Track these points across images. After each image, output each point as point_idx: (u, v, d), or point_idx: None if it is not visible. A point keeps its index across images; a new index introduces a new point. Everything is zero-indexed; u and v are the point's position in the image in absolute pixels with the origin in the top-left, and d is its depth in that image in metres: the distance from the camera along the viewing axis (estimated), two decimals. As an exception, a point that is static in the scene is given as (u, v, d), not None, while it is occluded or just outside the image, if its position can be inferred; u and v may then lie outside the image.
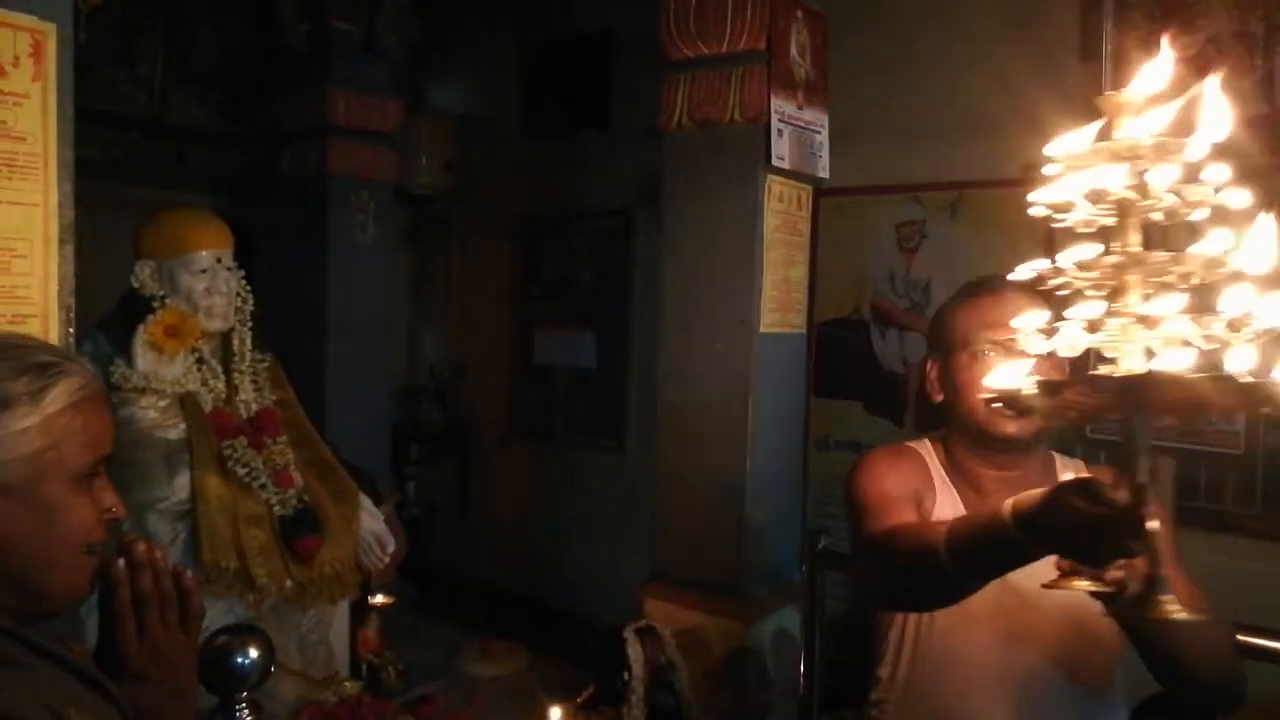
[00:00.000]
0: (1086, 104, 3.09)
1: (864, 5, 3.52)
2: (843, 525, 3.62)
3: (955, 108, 3.43)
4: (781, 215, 2.90)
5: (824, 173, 3.01)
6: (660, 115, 2.91)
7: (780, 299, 2.93)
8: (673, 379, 3.00)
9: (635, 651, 2.66)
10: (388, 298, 4.19)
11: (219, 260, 2.53)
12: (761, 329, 2.85)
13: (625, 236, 4.32)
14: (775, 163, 2.75)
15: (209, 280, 2.49)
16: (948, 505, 1.59)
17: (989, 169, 3.34)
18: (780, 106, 2.73)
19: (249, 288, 2.65)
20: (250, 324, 2.66)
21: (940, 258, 3.47)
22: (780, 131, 2.73)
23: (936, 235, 3.49)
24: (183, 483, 2.38)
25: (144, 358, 2.39)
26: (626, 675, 2.65)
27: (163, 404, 2.43)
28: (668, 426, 3.01)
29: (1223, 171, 0.97)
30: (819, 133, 2.96)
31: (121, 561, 1.04)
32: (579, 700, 2.73)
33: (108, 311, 2.48)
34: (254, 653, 1.39)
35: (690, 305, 2.95)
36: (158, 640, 1.03)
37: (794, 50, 2.79)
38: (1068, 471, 1.55)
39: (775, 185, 2.84)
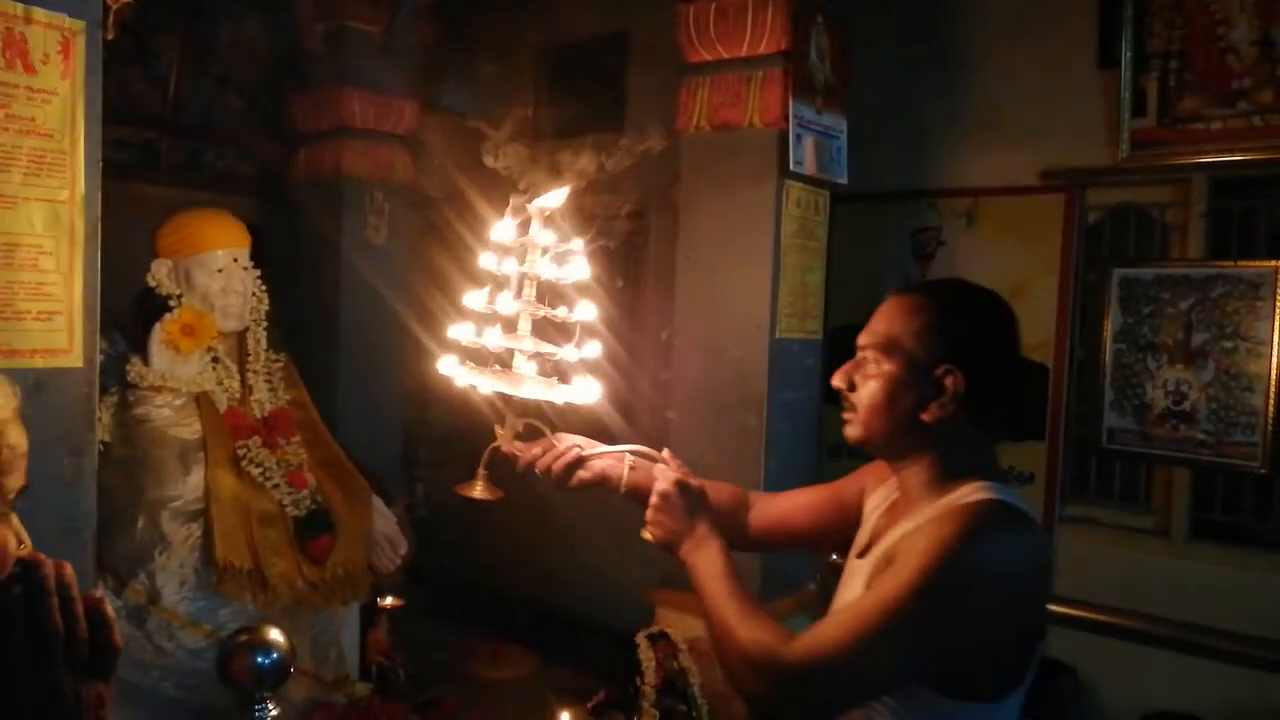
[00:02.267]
0: (1105, 112, 3.08)
1: (882, 11, 3.51)
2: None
3: (973, 115, 3.41)
4: (799, 220, 2.89)
5: (842, 178, 3.00)
6: (678, 118, 2.90)
7: (796, 304, 2.92)
8: (686, 383, 2.99)
9: (647, 658, 2.65)
10: (401, 299, 4.18)
11: (235, 260, 2.53)
12: (777, 334, 2.84)
13: (640, 240, 4.30)
14: (794, 168, 2.73)
15: (225, 280, 2.50)
16: (872, 501, 1.53)
17: (1006, 176, 3.33)
18: (800, 111, 2.72)
19: (264, 288, 2.66)
20: (265, 324, 2.67)
21: (956, 264, 3.46)
22: (799, 136, 2.72)
23: (953, 242, 3.47)
24: (196, 481, 2.38)
25: (160, 356, 2.40)
26: (638, 681, 2.64)
27: (178, 403, 2.43)
28: (680, 431, 3.00)
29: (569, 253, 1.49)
30: (838, 137, 2.95)
31: (18, 588, 0.84)
32: (589, 705, 2.72)
33: (123, 309, 2.48)
34: (275, 652, 1.38)
35: (706, 310, 2.94)
36: (60, 687, 0.83)
37: (814, 54, 2.78)
38: (952, 504, 1.29)
39: (793, 190, 2.83)
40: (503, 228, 1.47)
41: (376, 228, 3.95)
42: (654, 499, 1.41)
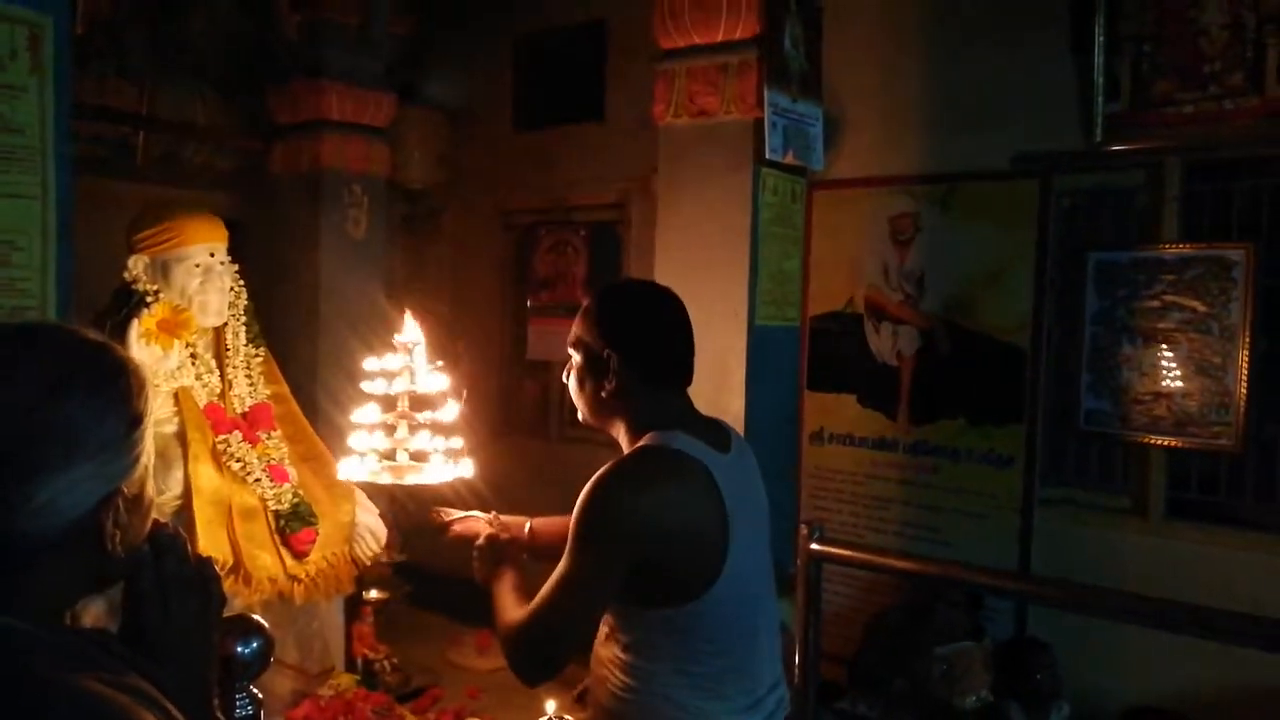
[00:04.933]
0: (1078, 96, 3.08)
1: (857, -2, 3.52)
2: (837, 517, 3.65)
3: (948, 100, 3.43)
4: (775, 208, 2.90)
5: (818, 165, 3.01)
6: (654, 107, 2.91)
7: (774, 291, 2.94)
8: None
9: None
10: (381, 292, 4.17)
11: (212, 255, 2.52)
12: (756, 321, 2.86)
13: (620, 229, 4.31)
14: (769, 155, 2.75)
15: (203, 275, 2.49)
16: None
17: (982, 161, 3.35)
18: (775, 99, 2.73)
19: (242, 282, 2.65)
20: (244, 318, 2.66)
21: (934, 250, 3.48)
22: (774, 124, 2.73)
23: (930, 228, 3.49)
24: (177, 477, 2.38)
25: (138, 352, 2.38)
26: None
27: (156, 399, 2.42)
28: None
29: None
30: (813, 125, 2.96)
31: (148, 546, 1.02)
32: (575, 693, 2.73)
33: (99, 306, 2.47)
34: (255, 642, 1.39)
35: (684, 298, 2.94)
36: (182, 625, 1.02)
37: (788, 42, 2.79)
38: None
39: (769, 178, 2.85)
40: (384, 359, 1.95)
41: (356, 221, 3.94)
42: (474, 553, 1.82)
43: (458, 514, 1.97)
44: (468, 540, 1.90)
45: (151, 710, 0.88)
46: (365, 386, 1.93)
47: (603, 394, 1.63)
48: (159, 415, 2.41)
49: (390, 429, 1.92)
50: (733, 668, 1.59)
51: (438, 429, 1.95)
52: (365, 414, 1.92)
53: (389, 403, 1.94)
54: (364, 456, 1.90)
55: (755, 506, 1.70)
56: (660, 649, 1.56)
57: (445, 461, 1.93)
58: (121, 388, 0.94)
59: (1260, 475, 3.05)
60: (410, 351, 1.94)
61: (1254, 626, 2.02)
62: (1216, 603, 2.44)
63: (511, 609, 1.62)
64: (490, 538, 1.84)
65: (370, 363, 1.95)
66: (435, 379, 1.96)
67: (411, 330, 1.97)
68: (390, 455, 1.92)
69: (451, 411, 1.97)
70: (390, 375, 1.92)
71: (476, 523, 1.93)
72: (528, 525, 1.95)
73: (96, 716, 0.83)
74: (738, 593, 1.57)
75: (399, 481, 1.92)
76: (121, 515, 0.94)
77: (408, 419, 1.92)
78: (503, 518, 1.93)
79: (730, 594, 1.55)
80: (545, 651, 1.52)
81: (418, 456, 1.94)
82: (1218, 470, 3.13)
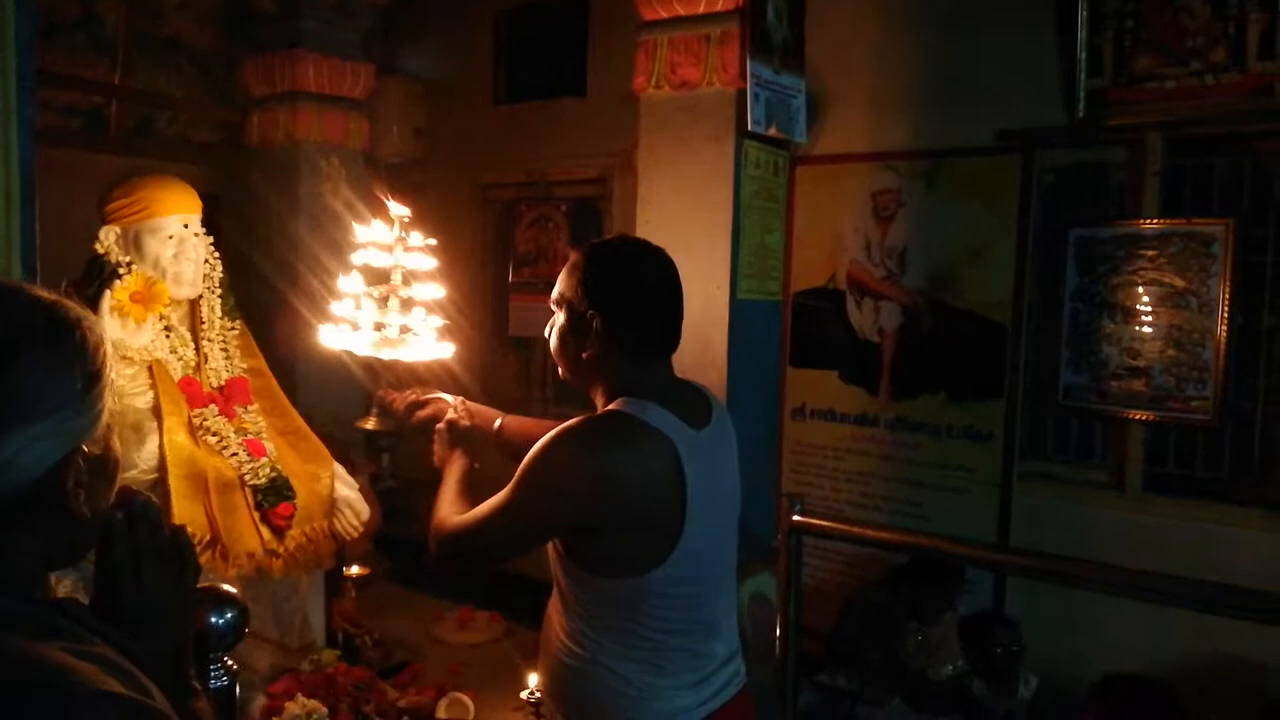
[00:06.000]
0: (1062, 72, 3.08)
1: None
2: (819, 492, 3.65)
3: (932, 76, 3.41)
4: (758, 181, 2.88)
5: (801, 137, 2.99)
6: (635, 79, 2.88)
7: (756, 265, 2.92)
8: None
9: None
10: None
11: (186, 226, 2.48)
12: (737, 295, 2.85)
13: (601, 205, 4.28)
14: (752, 127, 2.72)
15: (177, 246, 2.45)
16: None
17: (965, 137, 3.34)
18: (757, 70, 2.71)
19: (217, 255, 2.62)
20: (219, 291, 2.62)
21: (916, 226, 3.47)
22: (757, 95, 2.70)
23: (913, 204, 3.48)
24: (151, 450, 2.35)
25: (110, 325, 2.35)
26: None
27: (130, 372, 2.39)
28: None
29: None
30: (796, 97, 2.94)
31: (121, 514, 1.02)
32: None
33: (72, 278, 2.43)
34: (229, 613, 1.38)
35: (666, 272, 2.93)
36: (156, 594, 1.02)
37: (771, 13, 2.76)
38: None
39: (752, 150, 2.83)
40: (378, 229, 1.93)
41: (332, 193, 3.89)
42: (434, 435, 1.88)
43: (432, 393, 2.01)
44: (434, 417, 1.94)
45: (120, 679, 0.86)
46: (353, 256, 1.92)
47: (583, 355, 1.60)
48: (133, 389, 2.38)
49: (377, 301, 1.94)
50: (679, 646, 1.56)
51: (422, 307, 1.96)
52: (350, 283, 1.91)
53: (376, 275, 1.94)
54: (343, 326, 1.91)
55: (724, 488, 1.65)
56: (604, 618, 1.55)
57: (428, 340, 1.94)
58: (76, 344, 0.93)
59: (1237, 449, 3.08)
60: (406, 226, 1.93)
61: (1227, 596, 2.05)
62: (1192, 575, 2.46)
63: (448, 503, 1.71)
64: (450, 422, 1.89)
65: (362, 231, 1.94)
66: (424, 259, 1.96)
67: (401, 205, 1.95)
68: (377, 328, 1.93)
69: (437, 291, 1.98)
70: (382, 247, 1.92)
71: (444, 405, 1.96)
72: (498, 421, 1.97)
73: (60, 686, 0.81)
74: (689, 575, 1.53)
75: (377, 355, 1.91)
76: (84, 475, 0.93)
77: (395, 293, 1.93)
78: (471, 406, 1.97)
79: (680, 575, 1.52)
80: (460, 557, 1.65)
81: (401, 332, 1.95)
82: (1195, 444, 3.16)
